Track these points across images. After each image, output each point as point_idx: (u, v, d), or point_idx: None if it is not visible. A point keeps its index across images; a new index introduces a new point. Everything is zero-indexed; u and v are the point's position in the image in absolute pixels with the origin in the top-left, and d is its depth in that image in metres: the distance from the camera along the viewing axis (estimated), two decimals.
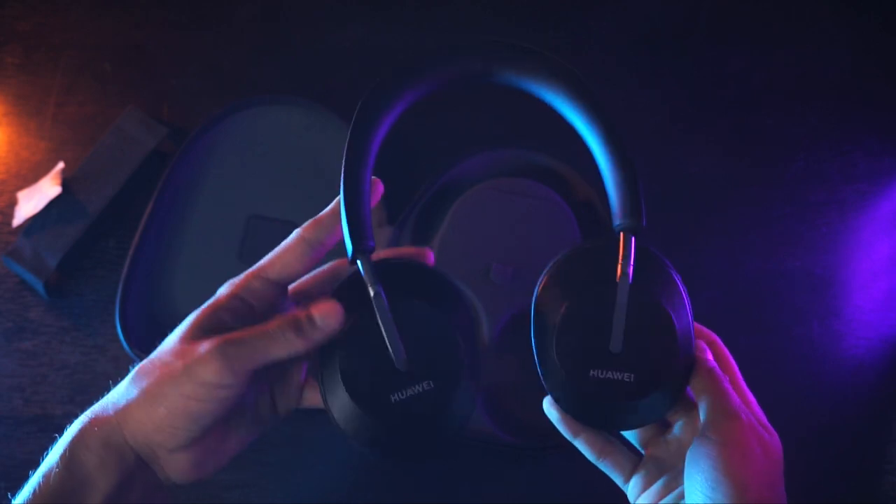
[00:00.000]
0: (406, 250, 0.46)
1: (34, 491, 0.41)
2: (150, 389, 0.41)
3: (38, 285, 0.65)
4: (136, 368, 0.43)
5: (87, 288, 0.67)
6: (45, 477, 0.41)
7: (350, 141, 0.44)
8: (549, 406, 0.44)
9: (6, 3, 0.75)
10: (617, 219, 0.44)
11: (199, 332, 0.42)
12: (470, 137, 0.70)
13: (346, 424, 0.42)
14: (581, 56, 0.74)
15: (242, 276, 0.44)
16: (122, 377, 0.64)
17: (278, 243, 0.65)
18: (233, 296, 0.43)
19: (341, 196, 0.42)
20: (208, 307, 0.43)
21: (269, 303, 0.44)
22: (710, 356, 0.44)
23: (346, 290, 0.43)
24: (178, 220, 0.66)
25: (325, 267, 0.48)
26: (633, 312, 0.42)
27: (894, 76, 0.74)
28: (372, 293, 0.41)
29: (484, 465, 0.63)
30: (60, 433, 0.64)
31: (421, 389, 0.41)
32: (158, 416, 0.40)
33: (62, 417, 0.64)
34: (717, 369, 0.43)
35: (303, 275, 0.45)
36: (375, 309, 0.41)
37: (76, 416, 0.64)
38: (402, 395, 0.41)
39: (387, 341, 0.41)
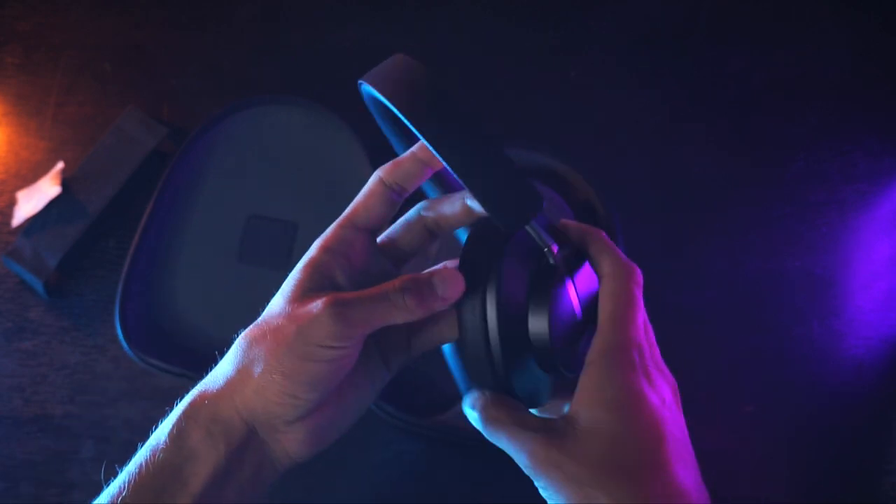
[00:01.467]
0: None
1: (141, 466, 0.39)
2: (264, 357, 0.39)
3: (38, 285, 0.65)
4: (243, 335, 0.40)
5: (87, 288, 0.67)
6: (153, 452, 0.39)
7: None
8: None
9: (6, 3, 0.75)
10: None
11: (305, 293, 0.40)
12: None
13: (515, 378, 0.40)
14: (581, 56, 0.74)
15: (330, 228, 0.42)
16: (122, 377, 0.65)
17: (278, 243, 0.66)
18: (326, 249, 0.41)
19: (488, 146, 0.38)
20: (307, 266, 0.40)
21: (364, 253, 0.42)
22: None
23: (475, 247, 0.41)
24: (178, 220, 0.66)
25: (413, 219, 0.44)
26: None
27: (894, 76, 0.74)
28: (552, 258, 0.40)
29: (485, 467, 0.63)
30: (60, 433, 0.64)
31: (589, 335, 0.41)
32: (276, 383, 0.38)
33: (62, 417, 0.64)
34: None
35: (388, 219, 0.43)
36: (558, 267, 0.40)
37: (76, 416, 0.64)
38: (583, 345, 0.41)
39: (573, 299, 0.41)
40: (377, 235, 0.43)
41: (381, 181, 0.42)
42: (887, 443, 0.64)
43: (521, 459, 0.40)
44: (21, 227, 0.67)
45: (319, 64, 0.74)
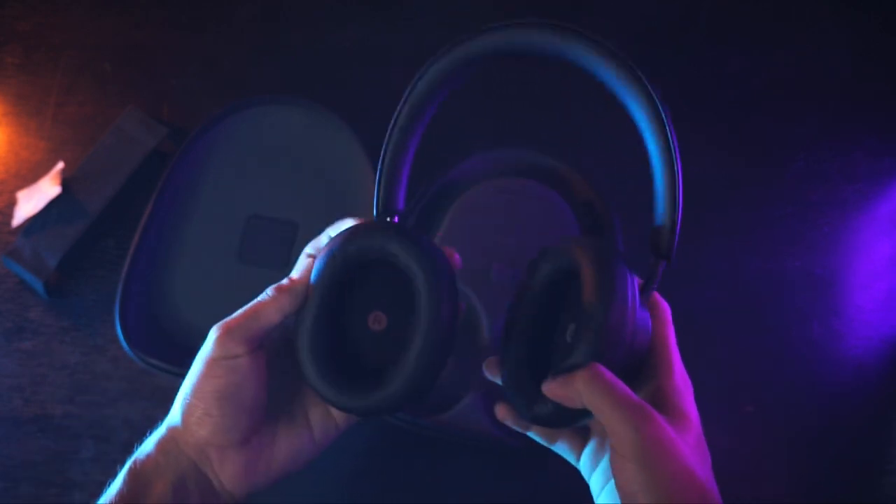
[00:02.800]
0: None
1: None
2: (185, 391, 0.45)
3: (38, 285, 0.65)
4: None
5: (87, 288, 0.67)
6: (119, 495, 0.45)
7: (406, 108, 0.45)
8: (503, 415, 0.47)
9: (6, 3, 0.75)
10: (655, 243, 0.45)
11: None
12: (470, 137, 0.70)
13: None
14: None
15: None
16: (122, 377, 0.65)
17: (278, 243, 0.66)
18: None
19: (382, 154, 0.45)
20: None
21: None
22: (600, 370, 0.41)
23: None
24: (178, 220, 0.66)
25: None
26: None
27: (894, 76, 0.74)
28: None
29: (485, 468, 0.63)
30: (60, 433, 0.64)
31: None
32: (194, 408, 0.45)
33: (62, 417, 0.64)
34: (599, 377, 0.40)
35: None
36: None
37: (76, 416, 0.64)
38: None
39: None
40: None
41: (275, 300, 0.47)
42: (887, 443, 0.64)
43: (625, 431, 0.38)
44: (21, 227, 0.67)
45: (319, 64, 0.74)
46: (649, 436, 0.38)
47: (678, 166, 0.44)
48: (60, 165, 0.68)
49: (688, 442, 0.40)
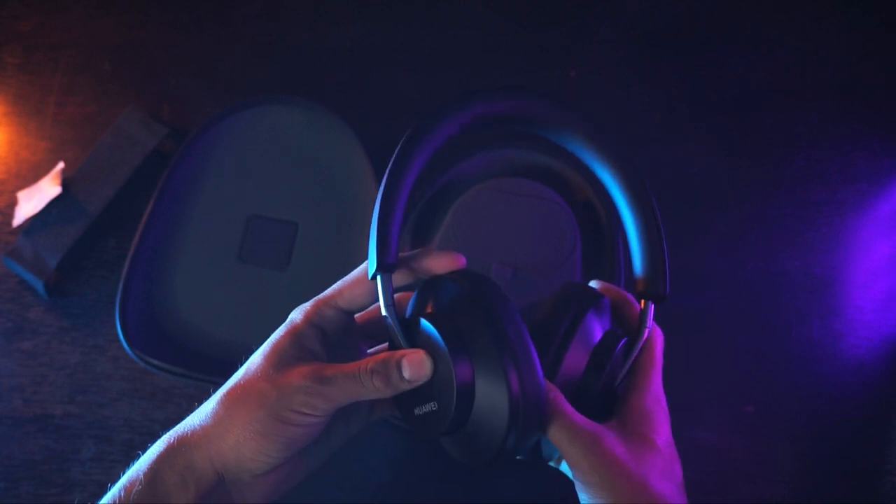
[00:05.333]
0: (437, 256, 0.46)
1: (115, 502, 0.42)
2: (243, 416, 0.42)
3: (38, 285, 0.65)
4: (224, 392, 0.43)
5: (87, 288, 0.67)
6: (127, 490, 0.42)
7: (392, 164, 0.43)
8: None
9: (6, 3, 0.75)
10: (642, 285, 0.46)
11: (284, 360, 0.43)
12: (470, 137, 0.70)
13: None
14: (581, 56, 0.74)
15: (312, 303, 0.45)
16: (122, 377, 0.65)
17: (278, 243, 0.66)
18: (308, 322, 0.44)
19: (375, 214, 0.42)
20: (287, 333, 0.44)
21: (341, 328, 0.45)
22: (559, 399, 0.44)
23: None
24: (178, 220, 0.66)
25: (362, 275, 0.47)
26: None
27: (894, 76, 0.74)
28: (385, 312, 0.42)
29: (484, 468, 0.63)
30: (60, 433, 0.64)
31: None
32: (253, 441, 0.42)
33: (62, 417, 0.64)
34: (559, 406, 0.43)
35: (369, 306, 0.46)
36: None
37: (76, 416, 0.64)
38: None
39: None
40: (356, 313, 0.46)
41: (367, 272, 0.44)
42: (887, 443, 0.64)
43: (575, 456, 0.42)
44: (21, 227, 0.67)
45: (319, 64, 0.74)
46: (597, 461, 0.42)
47: (656, 208, 0.46)
48: (60, 165, 0.68)
49: (645, 461, 0.43)
